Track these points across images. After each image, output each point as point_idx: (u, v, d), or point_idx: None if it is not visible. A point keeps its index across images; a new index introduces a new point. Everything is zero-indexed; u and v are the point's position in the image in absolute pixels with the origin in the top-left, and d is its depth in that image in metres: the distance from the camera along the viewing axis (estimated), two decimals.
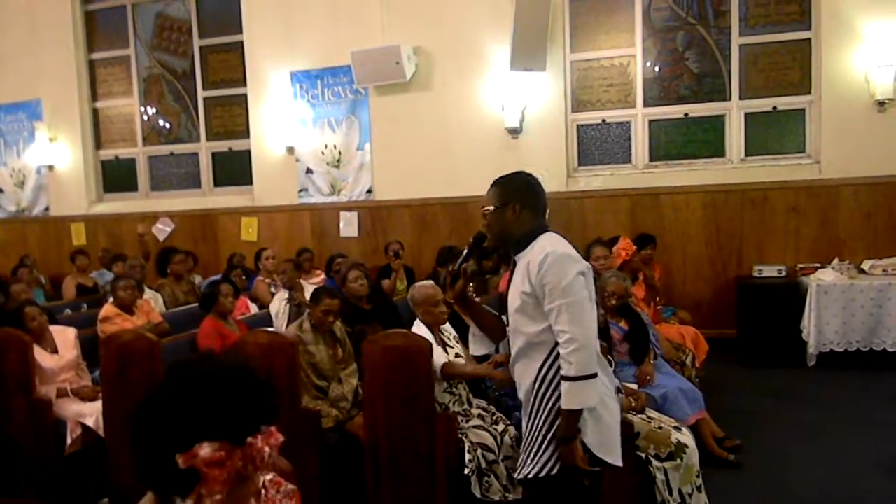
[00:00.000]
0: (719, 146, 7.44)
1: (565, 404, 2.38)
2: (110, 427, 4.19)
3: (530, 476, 2.50)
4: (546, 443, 2.47)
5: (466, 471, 3.55)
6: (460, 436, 3.66)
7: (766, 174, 7.20)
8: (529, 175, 2.70)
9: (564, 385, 2.38)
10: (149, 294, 6.29)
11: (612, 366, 3.66)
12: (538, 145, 7.68)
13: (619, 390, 3.72)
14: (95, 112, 9.82)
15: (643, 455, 3.55)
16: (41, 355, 4.54)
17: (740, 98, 7.34)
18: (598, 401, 2.43)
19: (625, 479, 3.39)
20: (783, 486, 4.15)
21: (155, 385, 1.46)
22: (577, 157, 7.84)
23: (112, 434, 4.18)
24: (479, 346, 2.80)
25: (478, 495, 3.56)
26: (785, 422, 5.19)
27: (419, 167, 8.11)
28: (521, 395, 2.60)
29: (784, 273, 6.89)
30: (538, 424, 2.49)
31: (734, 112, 7.37)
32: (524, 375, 2.55)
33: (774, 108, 7.28)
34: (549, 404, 2.46)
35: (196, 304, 5.78)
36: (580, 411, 2.39)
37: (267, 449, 1.38)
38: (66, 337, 4.78)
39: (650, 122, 7.62)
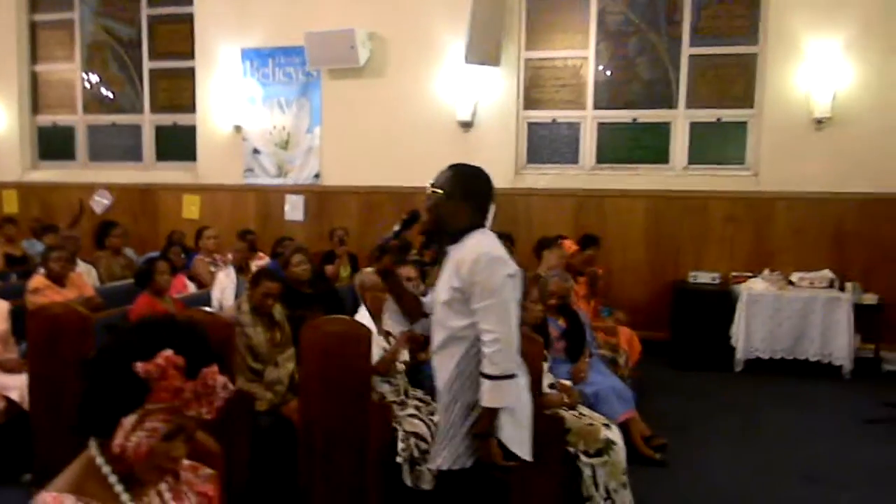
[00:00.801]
0: (663, 153, 7.61)
1: (485, 402, 2.44)
2: (36, 400, 4.07)
3: (444, 468, 2.55)
4: (461, 436, 2.52)
5: (399, 459, 3.57)
6: (394, 425, 3.67)
7: (706, 183, 7.39)
8: (485, 174, 2.72)
9: (486, 384, 2.42)
10: (82, 267, 6.11)
11: (546, 361, 3.74)
12: (488, 140, 7.72)
13: (552, 386, 3.83)
14: (34, 75, 9.49)
15: (572, 450, 3.62)
16: None
17: (686, 107, 7.52)
18: (516, 400, 2.50)
19: (553, 474, 3.46)
20: (706, 487, 4.28)
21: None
22: (526, 155, 7.92)
23: (37, 408, 4.06)
24: (394, 323, 2.85)
25: (409, 484, 3.58)
26: (711, 425, 5.35)
27: (368, 154, 8.07)
28: (438, 385, 2.64)
29: (718, 280, 7.09)
30: (453, 418, 2.54)
31: (680, 120, 7.54)
32: (442, 367, 2.59)
33: (718, 119, 7.47)
34: (466, 398, 2.52)
35: (131, 280, 5.64)
36: (498, 409, 2.45)
37: (220, 384, 1.40)
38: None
39: (599, 124, 7.73)
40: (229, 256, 6.53)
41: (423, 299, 2.81)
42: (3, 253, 7.45)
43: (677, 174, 7.55)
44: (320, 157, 8.28)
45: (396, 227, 2.71)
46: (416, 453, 3.61)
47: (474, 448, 2.49)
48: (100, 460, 1.41)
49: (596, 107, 7.72)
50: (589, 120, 7.74)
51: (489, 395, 2.42)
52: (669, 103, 7.55)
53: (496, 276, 2.46)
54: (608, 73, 7.71)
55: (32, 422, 4.12)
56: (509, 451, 2.52)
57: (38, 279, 5.21)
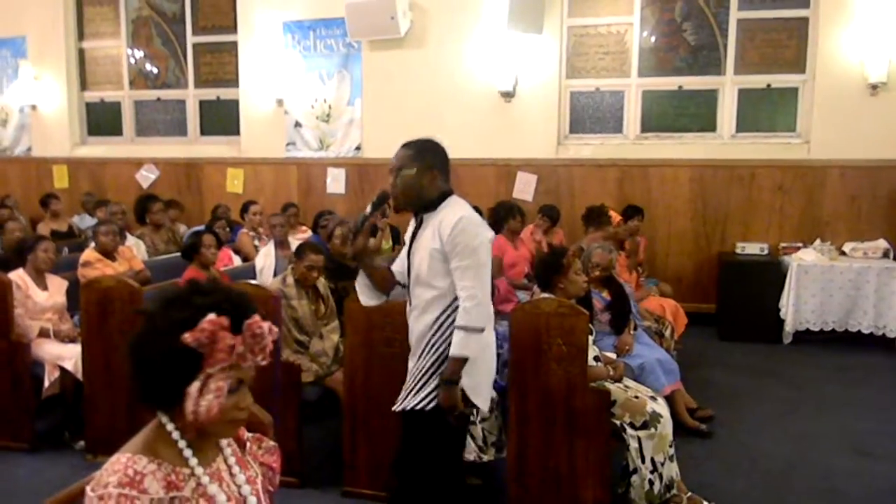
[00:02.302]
0: (710, 121, 7.43)
1: (455, 351, 2.62)
2: (89, 371, 4.18)
3: (408, 409, 2.74)
4: (427, 381, 2.71)
5: None
6: None
7: (754, 151, 7.21)
8: (437, 141, 2.90)
9: (459, 334, 2.61)
10: (131, 241, 6.23)
11: (591, 334, 3.70)
12: (530, 110, 7.63)
13: (597, 359, 3.80)
14: (81, 52, 9.61)
15: (618, 423, 3.59)
16: (33, 289, 4.57)
17: (735, 73, 7.32)
18: (480, 352, 2.67)
19: (599, 446, 3.45)
20: (753, 459, 4.23)
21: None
22: (569, 125, 7.80)
23: (90, 378, 4.18)
24: (368, 298, 2.95)
25: None
26: (758, 397, 5.27)
27: (408, 126, 7.93)
28: (412, 339, 2.82)
29: (766, 251, 6.94)
30: (424, 365, 2.73)
31: (728, 87, 7.34)
32: (420, 322, 2.76)
33: (768, 85, 7.27)
34: (439, 350, 2.70)
35: (178, 254, 5.74)
36: (465, 359, 2.62)
37: (266, 328, 1.45)
38: (58, 283, 4.79)
39: (643, 92, 7.58)
40: (266, 231, 6.59)
41: (394, 268, 2.95)
42: (48, 230, 7.63)
43: (724, 143, 7.37)
44: (361, 129, 8.27)
45: (368, 210, 2.82)
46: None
47: (438, 394, 2.67)
48: (170, 427, 1.47)
49: (640, 74, 7.56)
50: (633, 88, 7.59)
51: (460, 344, 2.61)
52: (717, 69, 7.36)
53: (476, 238, 2.65)
54: (653, 39, 7.53)
55: (86, 390, 4.24)
56: (467, 398, 2.68)
57: (89, 253, 5.34)
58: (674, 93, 7.52)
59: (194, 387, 1.40)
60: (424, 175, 2.75)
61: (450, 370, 2.64)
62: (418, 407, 2.70)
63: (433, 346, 2.72)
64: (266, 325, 1.46)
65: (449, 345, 2.65)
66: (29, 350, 4.38)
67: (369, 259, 2.87)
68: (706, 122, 7.44)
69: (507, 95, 7.65)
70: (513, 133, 7.68)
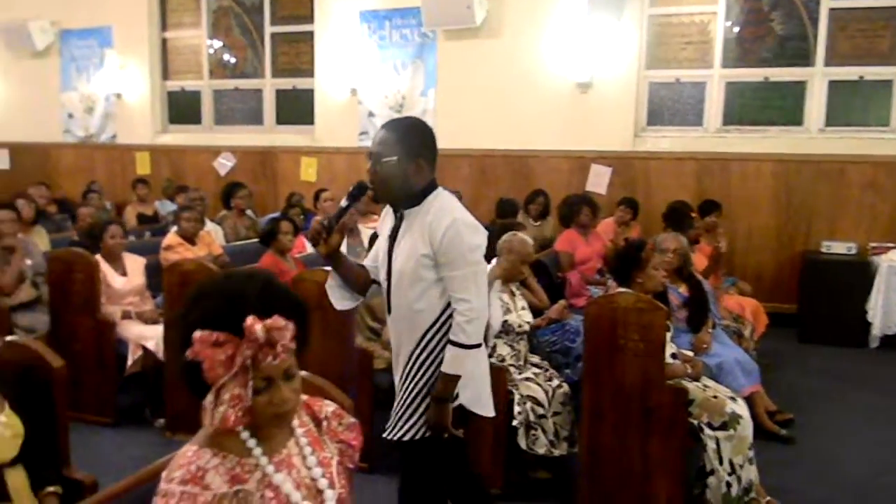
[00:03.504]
0: (797, 114, 7.16)
1: (448, 368, 2.36)
2: (170, 350, 4.30)
3: (405, 439, 2.48)
4: (418, 406, 2.45)
5: (515, 422, 3.55)
6: (511, 388, 3.65)
7: (844, 146, 6.91)
8: (424, 122, 2.56)
9: (452, 350, 2.35)
10: (210, 226, 6.38)
11: (669, 331, 3.60)
12: (606, 101, 7.49)
13: (675, 356, 3.70)
14: (164, 42, 9.89)
15: (695, 422, 3.49)
16: (111, 275, 4.70)
17: (825, 65, 7.02)
18: (476, 367, 2.44)
19: (675, 445, 3.36)
20: (835, 465, 4.07)
21: None
22: (647, 117, 7.64)
23: (171, 357, 4.28)
24: (341, 299, 2.60)
25: (523, 447, 3.57)
26: (842, 402, 5.07)
27: (482, 117, 7.99)
28: (395, 353, 2.56)
29: (854, 251, 6.65)
30: (416, 388, 2.45)
31: (817, 79, 7.06)
32: (406, 337, 2.48)
33: (861, 77, 6.95)
34: (429, 370, 2.43)
35: (255, 240, 5.85)
36: (458, 376, 2.38)
37: (261, 332, 1.33)
38: (136, 264, 4.93)
39: (727, 84, 7.35)
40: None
41: (366, 264, 2.66)
42: (136, 213, 7.90)
43: (812, 136, 7.09)
44: (434, 120, 8.26)
45: (344, 203, 2.48)
46: (531, 417, 3.59)
47: (427, 414, 2.43)
48: None
49: (724, 65, 7.34)
50: (716, 79, 7.36)
51: (453, 362, 2.35)
52: (806, 61, 7.08)
53: (471, 243, 2.35)
54: (738, 28, 7.29)
55: (166, 370, 4.36)
56: (468, 413, 2.47)
57: (171, 237, 5.49)
58: (759, 84, 7.27)
59: (208, 399, 1.35)
60: (409, 164, 2.39)
61: (441, 388, 2.38)
62: (416, 437, 2.45)
63: (421, 366, 2.44)
64: (261, 327, 1.32)
65: (439, 364, 2.39)
66: (114, 329, 4.53)
67: (341, 260, 2.53)
68: (792, 116, 7.17)
69: (584, 86, 7.53)
70: (588, 124, 7.55)
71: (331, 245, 2.44)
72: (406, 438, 2.47)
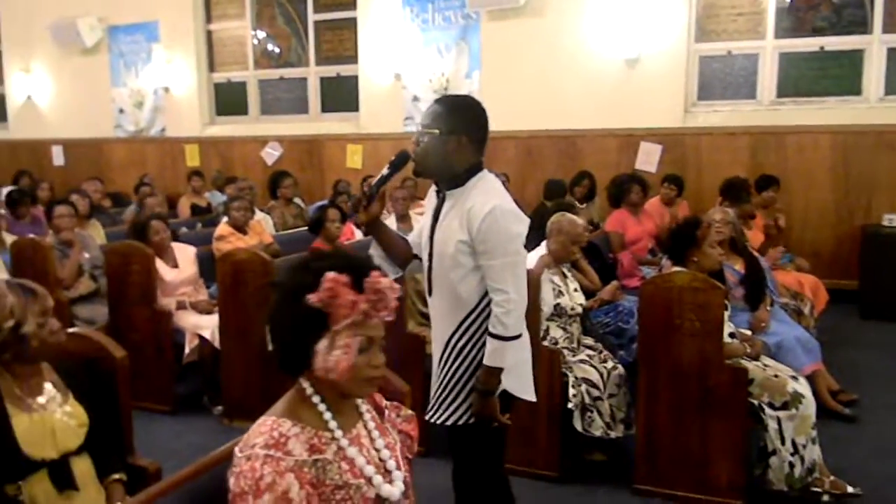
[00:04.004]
0: (855, 83, 6.93)
1: (490, 361, 2.31)
2: (226, 339, 4.37)
3: (448, 424, 2.45)
4: (459, 391, 2.41)
5: (570, 405, 3.52)
6: (565, 370, 3.61)
7: None
8: (478, 101, 2.46)
9: (493, 343, 2.30)
10: (259, 215, 6.44)
11: (727, 310, 3.52)
12: (655, 77, 7.34)
13: (733, 335, 3.62)
14: (209, 34, 10.00)
15: (756, 402, 3.42)
16: (163, 269, 4.76)
17: (883, 32, 6.77)
18: (521, 359, 2.41)
19: (736, 426, 3.30)
20: None
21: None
22: (697, 91, 7.46)
23: (227, 346, 4.36)
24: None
25: (579, 429, 3.54)
26: None
27: (527, 98, 7.90)
28: (434, 337, 2.51)
29: None
30: (456, 374, 2.41)
31: (875, 47, 6.81)
32: (446, 320, 2.43)
33: None
34: (469, 356, 2.39)
35: (304, 228, 5.89)
36: (501, 368, 2.33)
37: (385, 284, 1.47)
38: (186, 254, 4.99)
39: (780, 55, 7.13)
40: (388, 205, 6.65)
41: (410, 239, 2.61)
42: (190, 203, 8.03)
43: (871, 106, 6.85)
44: None
45: (385, 171, 2.40)
46: (586, 399, 3.56)
47: (473, 404, 2.39)
48: (310, 391, 1.52)
49: (777, 36, 7.12)
50: (769, 50, 7.15)
51: (494, 354, 2.30)
52: (863, 28, 6.83)
53: (511, 232, 2.28)
54: None
55: (222, 358, 4.43)
56: (511, 398, 2.42)
57: (222, 227, 5.56)
58: (814, 54, 7.04)
59: (322, 344, 1.44)
60: (449, 140, 2.32)
61: (484, 381, 2.34)
62: (460, 422, 2.43)
63: (461, 351, 2.40)
64: (386, 280, 1.48)
65: (479, 349, 2.35)
66: (171, 318, 4.61)
67: (382, 228, 2.53)
68: (850, 85, 6.94)
69: (631, 62, 7.39)
70: (636, 101, 7.41)
71: (371, 213, 2.41)
72: (449, 423, 2.45)
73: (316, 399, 1.51)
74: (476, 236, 2.28)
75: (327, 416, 1.50)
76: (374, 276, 1.47)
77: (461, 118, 2.36)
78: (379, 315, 1.48)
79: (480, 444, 2.48)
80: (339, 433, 1.50)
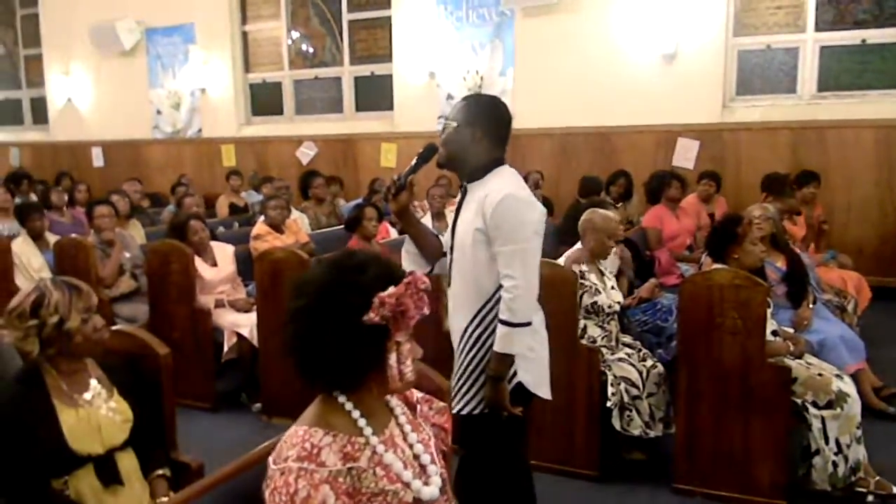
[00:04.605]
0: None
1: (498, 347, 2.37)
2: (263, 337, 4.41)
3: (463, 413, 2.47)
4: (473, 381, 2.46)
5: (609, 403, 3.49)
6: (603, 369, 3.58)
7: None
8: (497, 98, 2.60)
9: (501, 329, 2.35)
10: (296, 214, 6.50)
11: (769, 307, 3.47)
12: (692, 72, 7.25)
13: (775, 333, 3.56)
14: (245, 35, 10.09)
15: (799, 401, 3.36)
16: (202, 267, 4.82)
17: None
18: (528, 347, 2.41)
19: (779, 424, 3.25)
20: None
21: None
22: (736, 86, 7.35)
23: (265, 343, 4.40)
24: (411, 264, 2.63)
25: (618, 428, 3.51)
26: None
27: (562, 95, 7.85)
28: (454, 327, 2.54)
29: None
30: (471, 363, 2.46)
31: None
32: (463, 310, 2.48)
33: None
34: (485, 346, 2.43)
35: (339, 227, 5.93)
36: (511, 355, 2.37)
37: (427, 284, 1.45)
38: (224, 252, 5.05)
39: (821, 48, 6.99)
40: (425, 203, 6.67)
41: (442, 239, 2.68)
42: (228, 203, 8.13)
43: None
44: (513, 99, 8.17)
45: (413, 163, 2.51)
46: (625, 398, 3.52)
47: (485, 392, 2.44)
48: (342, 398, 1.49)
49: (818, 29, 6.98)
50: (809, 44, 7.02)
51: (503, 340, 2.35)
52: None
53: (522, 219, 2.34)
54: None
55: (261, 356, 4.47)
56: (528, 393, 2.46)
57: (260, 226, 5.61)
58: (856, 47, 6.89)
59: (392, 359, 1.42)
60: (466, 132, 2.43)
61: (494, 367, 2.38)
62: (475, 412, 2.46)
63: (476, 341, 2.45)
64: (426, 279, 1.45)
65: (494, 340, 2.39)
66: (210, 317, 4.67)
67: (412, 219, 2.60)
68: (893, 79, 6.77)
69: (668, 58, 7.31)
70: (673, 97, 7.32)
71: (400, 202, 2.50)
72: (464, 412, 2.48)
73: (349, 406, 1.48)
74: (490, 223, 2.35)
75: (361, 422, 1.47)
76: (418, 275, 1.44)
77: (477, 112, 2.47)
78: (420, 312, 1.45)
79: (494, 435, 2.51)
80: (373, 439, 1.47)
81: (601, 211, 3.95)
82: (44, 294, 2.18)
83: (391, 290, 1.39)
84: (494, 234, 2.35)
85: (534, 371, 2.46)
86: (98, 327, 2.27)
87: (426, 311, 1.46)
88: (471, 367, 2.47)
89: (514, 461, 2.63)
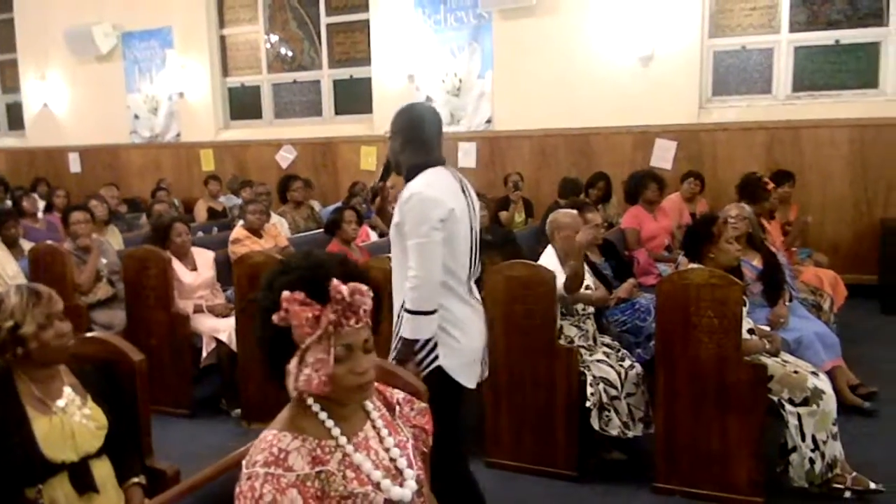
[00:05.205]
0: (872, 77, 6.85)
1: (403, 333, 2.58)
2: (242, 342, 4.38)
3: None
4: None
5: (588, 404, 3.50)
6: (582, 369, 3.59)
7: None
8: (421, 107, 2.87)
9: (405, 316, 2.57)
10: (275, 219, 6.47)
11: (745, 306, 3.49)
12: (669, 74, 7.30)
13: (752, 332, 3.59)
14: (223, 39, 10.04)
15: (775, 398, 3.39)
16: (181, 271, 4.79)
17: None
18: (432, 333, 2.57)
19: (755, 422, 3.27)
20: None
21: None
22: (712, 87, 7.41)
23: (244, 349, 4.37)
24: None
25: (597, 428, 3.52)
26: None
27: (541, 97, 7.88)
28: (395, 311, 2.72)
29: None
30: (396, 356, 2.65)
31: (892, 39, 6.73)
32: (397, 296, 2.70)
33: None
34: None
35: (318, 230, 5.91)
36: (415, 340, 2.56)
37: (346, 291, 1.40)
38: (205, 257, 5.03)
39: (796, 48, 7.07)
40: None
41: None
42: (206, 207, 8.08)
43: (888, 99, 6.76)
44: (492, 102, 8.20)
45: (381, 172, 2.90)
46: (604, 398, 3.54)
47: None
48: (310, 401, 1.48)
49: (791, 30, 7.05)
50: (784, 44, 7.08)
51: (406, 326, 2.57)
52: (879, 20, 6.75)
53: (423, 216, 2.53)
54: None
55: (240, 361, 4.44)
56: (454, 382, 2.62)
57: (238, 231, 5.59)
58: (830, 48, 6.97)
59: (292, 363, 1.41)
60: (394, 141, 2.74)
61: (399, 350, 2.61)
62: None
63: (398, 334, 2.66)
64: (349, 287, 1.40)
65: None
66: (188, 322, 4.64)
67: (389, 217, 2.87)
68: (867, 79, 6.86)
69: (645, 59, 7.35)
70: (650, 98, 7.37)
71: (377, 205, 2.97)
72: None
73: (316, 408, 1.48)
74: (400, 219, 2.61)
75: (329, 423, 1.47)
76: (336, 284, 1.39)
77: (399, 121, 2.75)
78: (349, 323, 1.41)
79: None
80: (343, 440, 1.47)
81: (562, 210, 4.00)
82: (1, 299, 2.17)
83: (285, 294, 1.38)
84: (403, 229, 2.59)
85: (455, 358, 2.63)
86: (60, 334, 2.23)
87: (358, 323, 1.42)
88: (396, 361, 2.62)
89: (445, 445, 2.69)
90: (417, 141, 2.71)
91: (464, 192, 2.73)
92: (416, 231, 2.54)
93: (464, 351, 2.66)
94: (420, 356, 2.59)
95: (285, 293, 1.38)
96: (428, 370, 2.58)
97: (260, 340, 1.48)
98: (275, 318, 1.39)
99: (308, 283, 1.40)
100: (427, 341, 2.58)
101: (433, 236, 2.54)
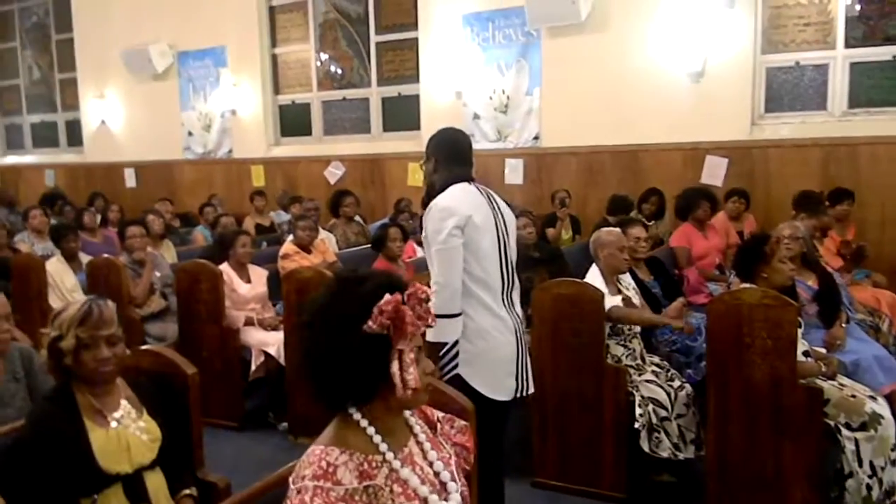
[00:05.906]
0: None
1: (427, 336, 2.51)
2: (290, 356, 4.43)
3: None
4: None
5: (637, 425, 3.45)
6: (631, 389, 3.55)
7: None
8: (451, 130, 2.98)
9: None
10: (323, 234, 6.54)
11: (800, 327, 3.41)
12: (720, 90, 7.18)
13: (807, 354, 3.50)
14: (275, 58, 10.23)
15: (832, 423, 3.30)
16: (237, 281, 4.91)
17: None
18: (457, 336, 2.65)
19: (810, 447, 3.19)
20: None
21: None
22: (764, 104, 7.27)
23: (292, 362, 4.42)
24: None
25: (646, 450, 3.47)
26: None
27: (589, 113, 7.84)
28: None
29: None
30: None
31: None
32: None
33: None
34: None
35: (366, 246, 5.96)
36: (441, 343, 2.63)
37: (423, 294, 1.47)
38: (259, 273, 5.16)
39: (851, 64, 6.90)
40: None
41: None
42: (254, 223, 8.21)
43: None
44: (539, 118, 8.19)
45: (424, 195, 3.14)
46: (654, 419, 3.48)
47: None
48: (357, 416, 1.49)
49: (847, 45, 6.89)
50: (839, 60, 6.92)
51: (429, 331, 2.50)
52: None
53: (440, 225, 2.66)
54: (860, 6, 6.83)
55: (287, 375, 4.50)
56: (479, 395, 2.63)
57: (287, 246, 5.66)
58: (887, 63, 6.77)
59: (394, 367, 1.43)
60: (429, 164, 2.90)
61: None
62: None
63: None
64: (426, 289, 1.49)
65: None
66: (238, 335, 4.71)
67: None
68: None
69: (696, 76, 7.25)
70: (702, 115, 7.26)
71: None
72: None
73: (364, 423, 1.49)
74: (424, 231, 2.78)
75: (377, 438, 1.48)
76: (416, 286, 1.48)
77: (431, 144, 2.92)
78: (422, 323, 1.47)
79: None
80: (390, 455, 1.47)
81: (604, 228, 3.97)
82: (66, 308, 2.23)
83: (387, 297, 1.41)
84: (426, 240, 2.76)
85: (475, 367, 2.69)
86: (99, 358, 2.23)
87: (431, 323, 1.49)
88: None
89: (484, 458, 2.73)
90: (448, 160, 2.86)
91: (491, 204, 2.82)
92: (434, 239, 2.68)
93: (483, 360, 2.71)
94: (443, 362, 2.66)
95: (386, 296, 1.41)
96: (448, 377, 2.64)
97: (330, 361, 1.45)
98: (371, 323, 1.41)
99: (396, 286, 1.46)
100: (451, 348, 2.66)
101: (450, 242, 2.66)
